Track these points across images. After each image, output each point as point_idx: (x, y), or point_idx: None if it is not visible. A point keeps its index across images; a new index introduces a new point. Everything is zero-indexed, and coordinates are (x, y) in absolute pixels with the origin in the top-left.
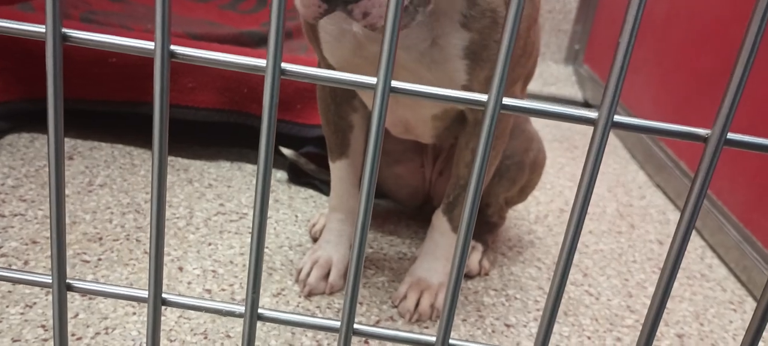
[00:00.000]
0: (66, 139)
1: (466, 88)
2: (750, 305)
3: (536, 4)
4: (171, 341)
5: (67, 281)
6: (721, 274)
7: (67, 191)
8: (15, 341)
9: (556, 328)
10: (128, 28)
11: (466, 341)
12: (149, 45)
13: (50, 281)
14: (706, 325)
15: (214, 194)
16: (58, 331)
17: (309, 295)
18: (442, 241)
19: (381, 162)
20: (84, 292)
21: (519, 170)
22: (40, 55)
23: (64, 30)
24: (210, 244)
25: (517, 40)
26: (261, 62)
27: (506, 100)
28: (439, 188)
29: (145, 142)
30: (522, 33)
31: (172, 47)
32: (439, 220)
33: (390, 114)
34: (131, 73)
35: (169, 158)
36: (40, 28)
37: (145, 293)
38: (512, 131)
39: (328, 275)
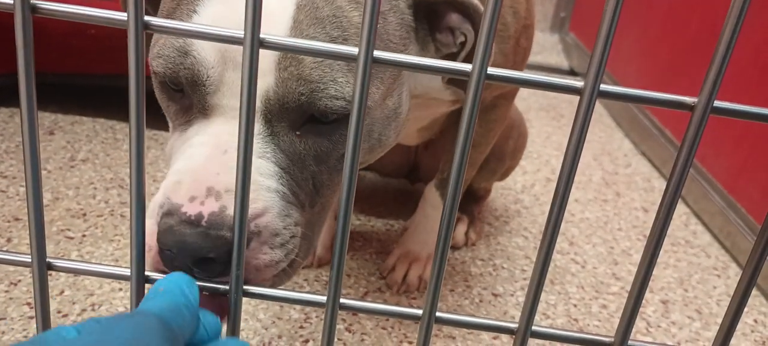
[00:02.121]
0: (47, 114)
1: (453, 101)
2: (734, 270)
3: (530, 8)
4: None
5: (48, 260)
6: (705, 240)
7: (49, 167)
8: (0, 319)
9: (542, 296)
10: None
11: (453, 312)
12: (122, 16)
13: (30, 260)
14: (691, 291)
15: None
16: (39, 311)
17: None
18: (434, 214)
19: None
20: (65, 271)
21: (498, 161)
22: None
23: (33, 1)
24: None
25: (507, 55)
26: (239, 33)
27: (491, 70)
28: (425, 159)
29: (127, 115)
30: (509, 51)
31: (146, 18)
32: (432, 193)
33: None
34: (112, 45)
35: (152, 132)
36: None
37: (127, 272)
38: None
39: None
